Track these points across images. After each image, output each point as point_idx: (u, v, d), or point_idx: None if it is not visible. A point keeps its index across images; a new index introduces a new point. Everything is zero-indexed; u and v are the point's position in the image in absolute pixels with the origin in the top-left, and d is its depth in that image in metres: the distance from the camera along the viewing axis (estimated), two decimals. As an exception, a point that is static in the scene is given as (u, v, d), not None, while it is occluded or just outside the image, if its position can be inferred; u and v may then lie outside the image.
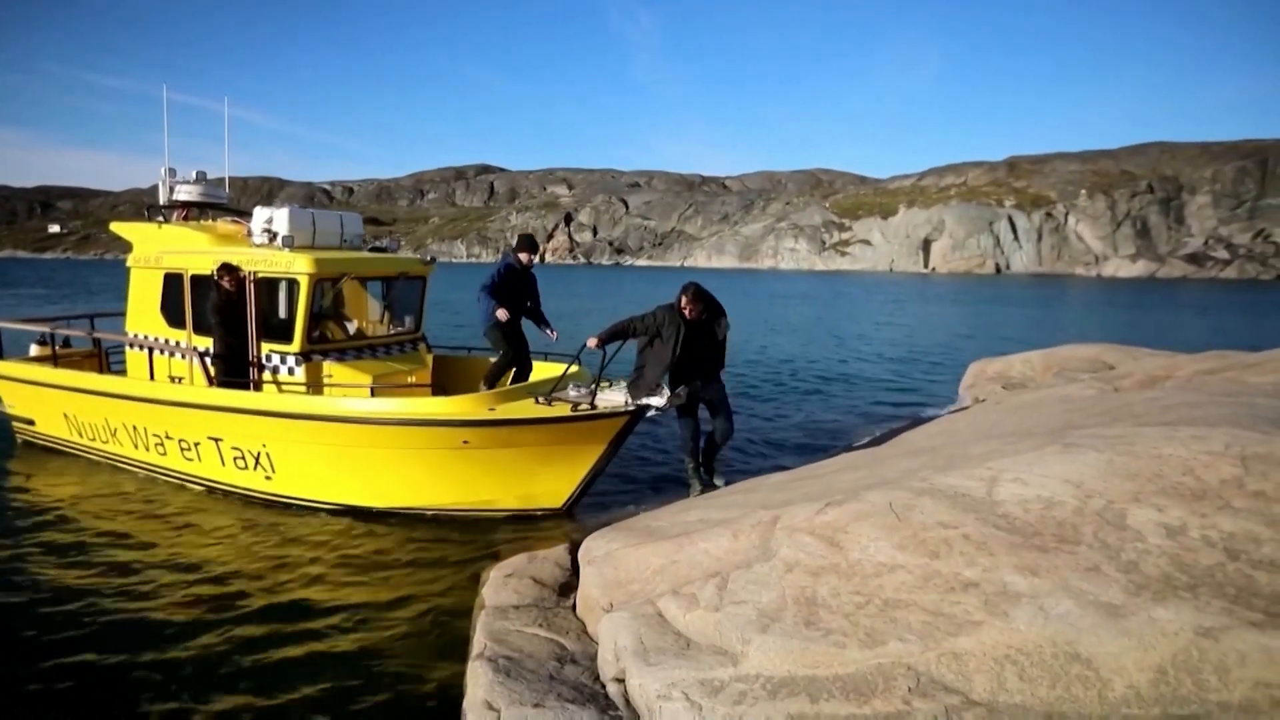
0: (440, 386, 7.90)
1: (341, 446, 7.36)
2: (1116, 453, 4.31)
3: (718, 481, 7.58)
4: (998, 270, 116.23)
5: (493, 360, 8.29)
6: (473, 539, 7.20)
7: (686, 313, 7.17)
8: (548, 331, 8.45)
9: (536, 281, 8.24)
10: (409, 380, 8.42)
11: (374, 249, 9.45)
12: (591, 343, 7.04)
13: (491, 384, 7.90)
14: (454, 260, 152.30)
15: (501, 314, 7.60)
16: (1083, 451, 4.41)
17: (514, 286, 7.85)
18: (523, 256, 7.96)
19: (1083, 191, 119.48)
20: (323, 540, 7.11)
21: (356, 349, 8.45)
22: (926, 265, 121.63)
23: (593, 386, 7.04)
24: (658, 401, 6.77)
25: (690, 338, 7.16)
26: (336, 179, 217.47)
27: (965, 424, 8.54)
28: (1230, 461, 3.98)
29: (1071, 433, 5.36)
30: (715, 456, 7.73)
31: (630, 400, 6.84)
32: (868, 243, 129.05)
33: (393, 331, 9.02)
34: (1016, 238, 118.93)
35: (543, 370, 8.74)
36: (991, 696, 3.11)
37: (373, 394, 7.39)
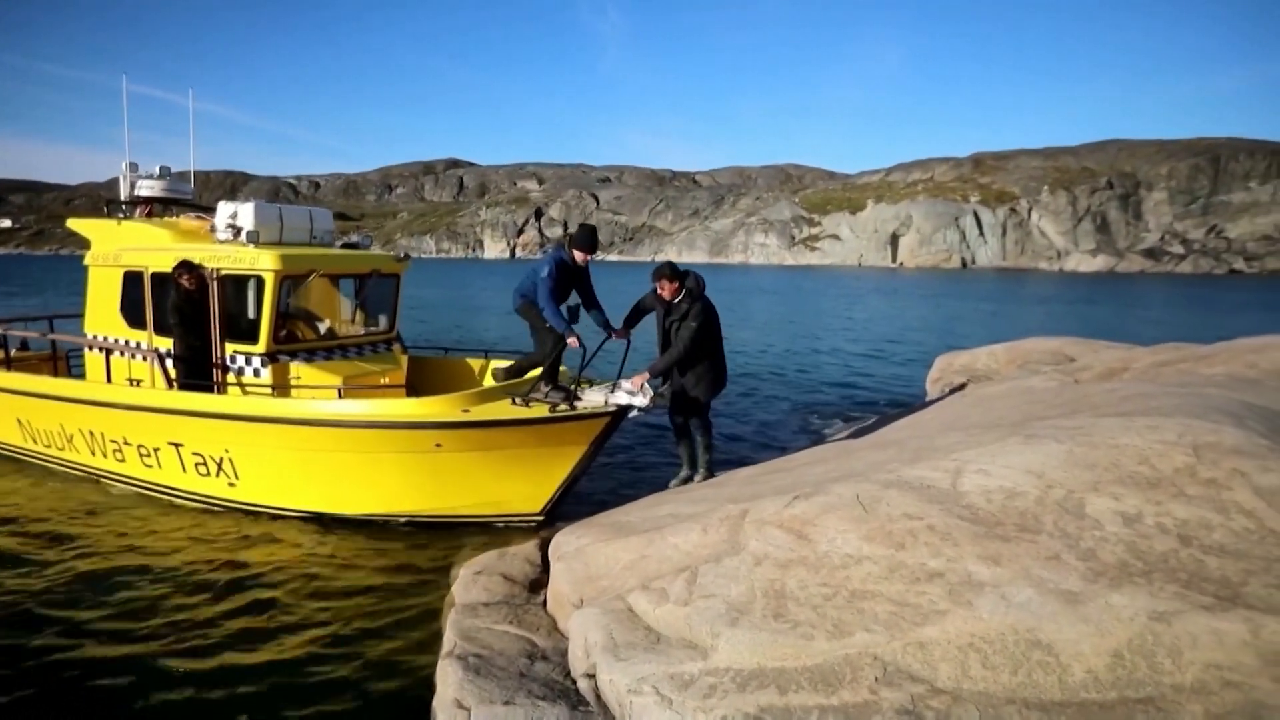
0: (415, 389, 7.75)
1: (308, 451, 7.22)
2: (1076, 443, 4.41)
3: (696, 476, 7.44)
4: (964, 265, 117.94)
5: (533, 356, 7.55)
6: (443, 537, 7.14)
7: (662, 294, 7.05)
8: (611, 333, 7.47)
9: (590, 277, 7.43)
10: (382, 381, 8.28)
11: (345, 245, 9.28)
12: (619, 334, 7.10)
13: (552, 378, 7.32)
14: (423, 255, 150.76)
15: (573, 343, 6.91)
16: (1044, 442, 4.50)
17: (564, 283, 7.16)
18: (578, 255, 7.13)
19: (1045, 188, 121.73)
20: (288, 547, 7.00)
21: (327, 350, 8.29)
22: (895, 260, 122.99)
23: (572, 386, 6.95)
24: (640, 401, 6.63)
25: (667, 325, 7.04)
26: (303, 173, 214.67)
27: (932, 416, 8.65)
28: (1183, 450, 4.09)
29: (1034, 424, 5.46)
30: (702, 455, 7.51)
31: (610, 400, 6.74)
32: (837, 238, 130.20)
33: (365, 331, 8.88)
34: (982, 233, 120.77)
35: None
36: (956, 685, 3.17)
37: (341, 396, 7.25)
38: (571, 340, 6.89)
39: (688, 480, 7.37)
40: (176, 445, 7.88)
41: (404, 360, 8.97)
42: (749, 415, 12.70)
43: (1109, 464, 4.12)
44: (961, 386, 11.00)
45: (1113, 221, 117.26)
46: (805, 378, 17.12)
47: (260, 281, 7.75)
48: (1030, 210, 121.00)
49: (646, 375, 6.84)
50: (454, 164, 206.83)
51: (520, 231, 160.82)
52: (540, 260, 7.27)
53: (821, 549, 4.01)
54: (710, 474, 7.33)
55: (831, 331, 28.04)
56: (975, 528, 3.83)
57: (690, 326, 6.89)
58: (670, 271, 7.03)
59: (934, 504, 4.08)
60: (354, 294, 8.87)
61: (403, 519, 7.40)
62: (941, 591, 3.52)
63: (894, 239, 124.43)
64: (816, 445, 8.64)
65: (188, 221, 9.06)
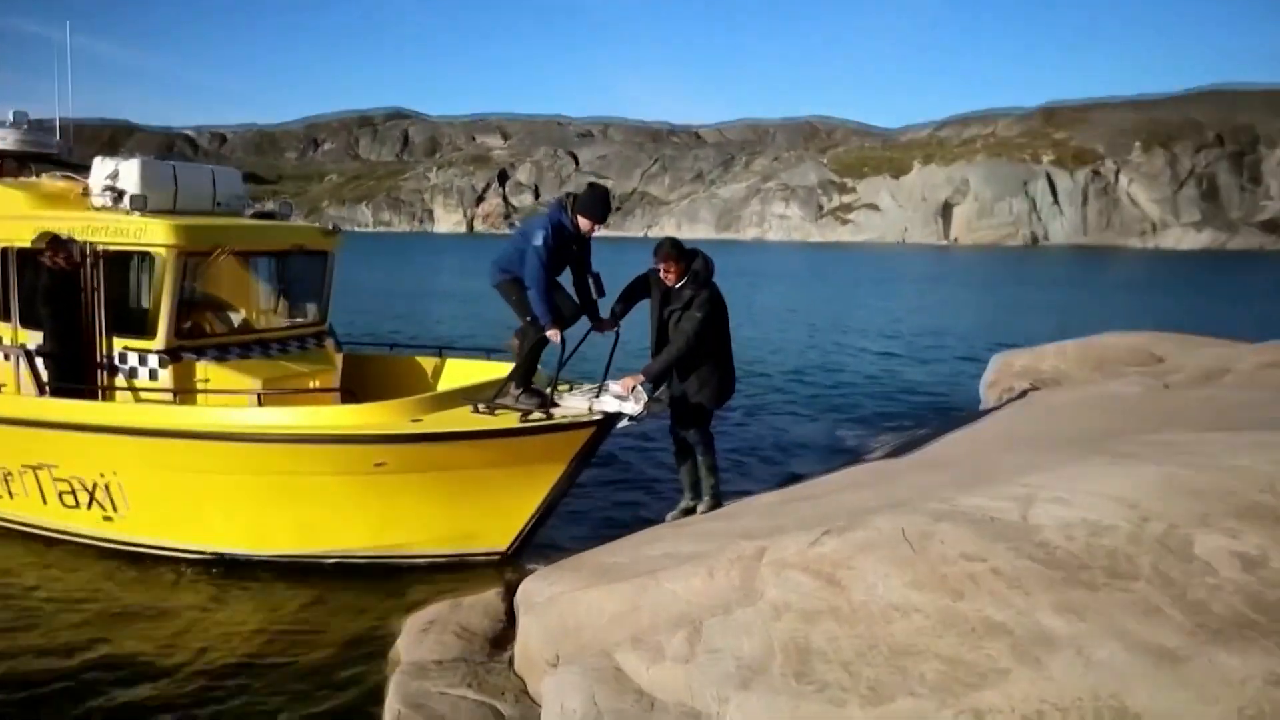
0: (353, 394, 7.69)
1: (215, 474, 7.14)
2: (1178, 465, 4.41)
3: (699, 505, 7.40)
4: (1033, 241, 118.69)
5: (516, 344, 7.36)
6: (384, 582, 7.10)
7: (666, 277, 7.05)
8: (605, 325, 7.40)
9: (591, 251, 7.31)
10: (310, 385, 8.25)
11: (259, 215, 9.22)
12: (605, 326, 7.08)
13: (526, 380, 7.17)
14: (357, 229, 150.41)
15: (553, 337, 6.82)
16: (1136, 463, 4.51)
17: (558, 254, 6.94)
18: (583, 222, 6.96)
19: (1137, 145, 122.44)
20: (183, 599, 6.92)
21: (242, 346, 8.23)
22: (947, 235, 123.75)
23: (548, 390, 6.93)
24: (631, 408, 6.60)
25: (666, 314, 7.04)
26: (204, 124, 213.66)
27: (991, 430, 8.67)
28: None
29: (1118, 440, 5.47)
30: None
31: (595, 407, 6.71)
32: (875, 208, 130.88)
33: (289, 323, 8.85)
34: (1056, 201, 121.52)
35: (482, 370, 8.63)
36: (1025, 766, 3.14)
37: (260, 403, 7.20)
38: (552, 334, 6.83)
39: (689, 512, 7.36)
40: (38, 468, 7.76)
41: (337, 359, 8.95)
42: (764, 429, 12.71)
43: (1221, 492, 4.12)
44: (1024, 393, 11.04)
45: (1222, 187, 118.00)
46: (834, 382, 17.15)
47: (152, 260, 7.69)
48: (1117, 173, 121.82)
49: (640, 377, 6.82)
50: (397, 115, 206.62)
51: (480, 199, 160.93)
52: (532, 222, 7.10)
53: (857, 597, 4.00)
54: (716, 503, 7.31)
55: (866, 325, 28.12)
56: (1052, 572, 3.82)
57: (694, 318, 6.87)
58: (675, 250, 7.00)
59: (999, 541, 4.07)
60: (272, 276, 8.80)
61: (333, 559, 7.36)
62: (1004, 647, 3.52)
63: (946, 209, 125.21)
64: (849, 466, 8.65)
65: (53, 183, 8.96)
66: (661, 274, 7.05)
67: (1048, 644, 3.48)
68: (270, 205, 9.48)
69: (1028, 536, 4.08)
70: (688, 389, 7.09)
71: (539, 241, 6.77)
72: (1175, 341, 12.75)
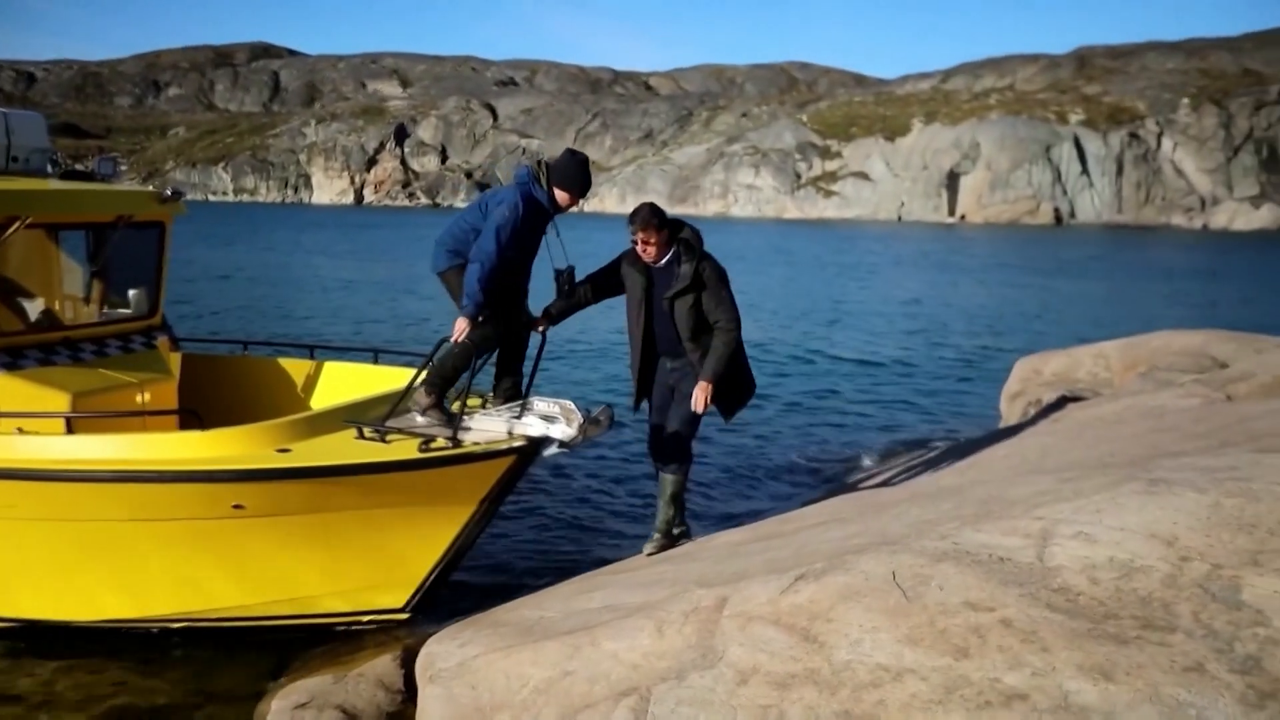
0: (195, 414, 7.49)
1: (13, 522, 6.93)
2: (1225, 493, 4.54)
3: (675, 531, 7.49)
4: (1058, 219, 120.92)
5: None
6: (244, 653, 7.05)
7: (645, 252, 7.07)
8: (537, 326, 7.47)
9: (558, 231, 7.30)
10: (138, 400, 8.12)
11: (69, 175, 9.09)
12: (534, 326, 7.11)
13: (441, 394, 7.12)
14: (212, 197, 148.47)
15: (461, 327, 6.79)
16: (1176, 491, 4.63)
17: (524, 234, 7.00)
18: (560, 195, 7.04)
19: (1184, 101, 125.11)
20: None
21: (43, 347, 8.00)
22: (953, 212, 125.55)
23: (455, 410, 6.89)
24: (562, 431, 6.57)
25: (662, 299, 7.04)
26: (3, 58, 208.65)
27: (1007, 452, 8.83)
28: (1386, 503, 4.25)
29: (1162, 463, 5.61)
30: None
31: (517, 431, 6.66)
32: (865, 177, 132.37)
33: (107, 317, 8.70)
34: (1085, 170, 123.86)
35: (368, 378, 8.60)
36: None
37: (71, 427, 7.08)
38: (460, 325, 6.78)
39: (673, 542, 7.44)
40: None
41: (175, 363, 8.79)
42: (727, 450, 12.81)
43: (1277, 525, 4.25)
44: (1054, 405, 11.27)
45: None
46: (814, 393, 17.33)
47: None
48: (1160, 136, 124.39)
49: (708, 386, 6.96)
50: (265, 51, 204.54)
51: (372, 162, 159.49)
52: (497, 194, 7.16)
53: (840, 657, 4.05)
54: (669, 540, 7.41)
55: (855, 321, 28.45)
56: (1074, 623, 3.91)
57: (725, 297, 7.01)
58: (657, 217, 7.04)
59: (1010, 586, 4.16)
60: (88, 255, 8.66)
61: (178, 626, 7.28)
62: (1020, 719, 3.60)
63: (952, 180, 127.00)
64: (831, 496, 8.75)
65: None
66: (640, 247, 7.07)
67: (1073, 714, 3.57)
68: (88, 164, 9.31)
69: (1044, 581, 4.17)
70: (682, 387, 7.20)
71: (503, 217, 6.83)
72: (1239, 342, 13.05)
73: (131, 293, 8.86)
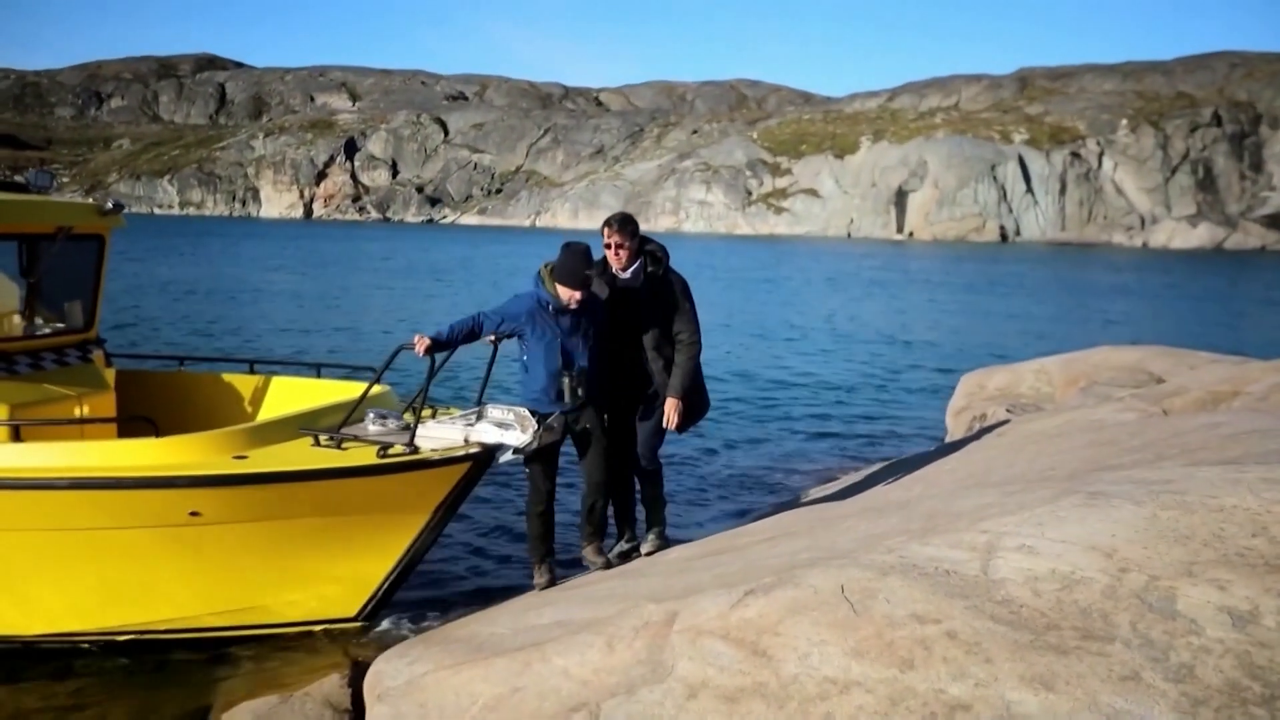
0: (151, 421, 7.44)
1: None
2: (1161, 505, 4.63)
3: (644, 546, 7.58)
4: (1003, 237, 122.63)
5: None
6: (190, 669, 6.96)
7: (613, 259, 7.16)
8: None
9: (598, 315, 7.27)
10: (77, 413, 8.01)
11: (3, 186, 8.91)
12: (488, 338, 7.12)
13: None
14: (158, 210, 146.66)
15: (417, 343, 6.86)
16: (1115, 504, 4.71)
17: (552, 331, 7.12)
18: (563, 292, 6.99)
19: (1123, 123, 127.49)
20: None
21: None
22: (901, 229, 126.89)
23: (407, 417, 6.89)
24: (516, 438, 6.62)
25: (628, 310, 7.11)
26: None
27: (953, 466, 8.93)
28: (1316, 514, 4.35)
29: (1101, 476, 5.71)
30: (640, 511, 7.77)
31: (472, 438, 6.69)
32: (815, 193, 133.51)
33: (42, 330, 8.56)
34: (1030, 189, 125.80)
35: (315, 391, 8.57)
36: None
37: (18, 435, 6.94)
38: (417, 339, 6.84)
39: (628, 555, 7.52)
40: None
41: (110, 377, 8.69)
42: (679, 466, 12.83)
43: (1210, 536, 4.33)
44: (999, 420, 11.42)
45: (1221, 174, 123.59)
46: (763, 408, 17.41)
47: None
48: (1101, 156, 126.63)
49: (677, 402, 7.11)
50: (210, 63, 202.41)
51: (321, 175, 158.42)
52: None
53: (789, 670, 4.08)
54: (633, 550, 7.53)
55: (803, 338, 28.62)
56: (1016, 634, 3.97)
57: (690, 311, 7.23)
58: (632, 225, 7.23)
59: (956, 598, 4.21)
60: (22, 268, 8.53)
61: (125, 638, 7.19)
62: (968, 731, 3.64)
63: (900, 197, 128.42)
64: (781, 512, 8.80)
65: None
66: (612, 254, 7.16)
67: (1014, 723, 3.62)
68: (24, 176, 9.19)
69: (989, 593, 4.23)
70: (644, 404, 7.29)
71: (499, 304, 7.25)
72: (1175, 358, 13.33)
73: (68, 306, 8.74)
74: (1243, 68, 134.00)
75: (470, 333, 7.01)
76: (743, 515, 10.24)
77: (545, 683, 4.61)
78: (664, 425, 7.17)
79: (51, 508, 6.70)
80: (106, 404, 8.35)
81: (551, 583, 7.23)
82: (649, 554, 7.42)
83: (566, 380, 6.96)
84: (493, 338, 7.37)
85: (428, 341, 6.78)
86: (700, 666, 4.25)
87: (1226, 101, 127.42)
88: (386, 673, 5.34)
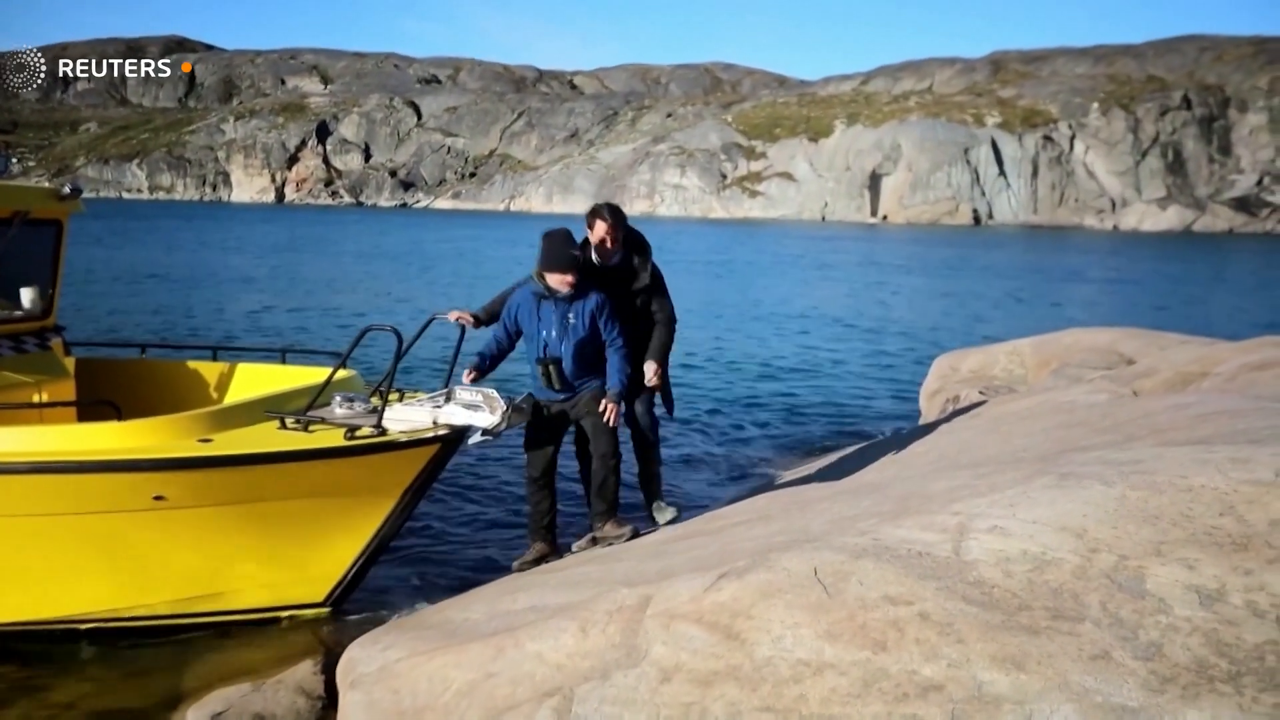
0: (115, 406, 7.41)
1: None
2: (1131, 486, 4.66)
3: (658, 517, 7.79)
4: (976, 220, 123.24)
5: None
6: (156, 657, 6.92)
7: (597, 246, 7.27)
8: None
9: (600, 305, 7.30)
10: (35, 399, 7.93)
11: None
12: (466, 318, 7.39)
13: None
14: (126, 194, 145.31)
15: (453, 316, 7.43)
16: (1085, 485, 4.74)
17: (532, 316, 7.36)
18: (552, 279, 7.09)
19: (1094, 106, 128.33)
20: None
21: None
22: (875, 212, 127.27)
23: (374, 400, 6.86)
24: (485, 420, 6.61)
25: (613, 294, 7.25)
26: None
27: (926, 448, 8.98)
28: (1282, 494, 4.38)
29: (1072, 458, 5.75)
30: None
31: (441, 420, 6.68)
32: (789, 177, 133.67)
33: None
34: (1003, 172, 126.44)
35: (280, 378, 8.52)
36: None
37: None
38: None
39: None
40: None
41: (69, 365, 8.65)
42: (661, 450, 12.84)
43: (1178, 516, 4.37)
44: (972, 402, 11.48)
45: (1190, 157, 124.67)
46: (736, 392, 17.43)
47: None
48: (1073, 139, 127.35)
49: (655, 366, 7.38)
50: (179, 45, 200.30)
51: (293, 159, 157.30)
52: None
53: (762, 653, 4.09)
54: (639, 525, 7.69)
55: (777, 321, 28.67)
56: (988, 614, 3.99)
57: (664, 291, 7.55)
58: (623, 216, 7.45)
59: (928, 580, 4.23)
60: None
61: (87, 626, 7.15)
62: (940, 712, 3.66)
63: (874, 180, 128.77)
64: (755, 495, 8.81)
65: None
66: (598, 241, 7.30)
67: (987, 704, 3.64)
68: None
69: (961, 574, 4.25)
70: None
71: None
72: (1146, 339, 13.45)
73: (25, 292, 8.64)
74: (1212, 51, 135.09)
75: (499, 351, 7.39)
76: (717, 498, 10.25)
77: (519, 668, 4.60)
78: (647, 384, 7.43)
79: (8, 493, 6.61)
80: (65, 391, 8.29)
81: (537, 562, 7.23)
82: (669, 523, 7.69)
83: (540, 369, 7.15)
84: (462, 321, 7.41)
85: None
86: (674, 650, 4.25)
87: (1196, 85, 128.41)
88: (360, 659, 5.32)
